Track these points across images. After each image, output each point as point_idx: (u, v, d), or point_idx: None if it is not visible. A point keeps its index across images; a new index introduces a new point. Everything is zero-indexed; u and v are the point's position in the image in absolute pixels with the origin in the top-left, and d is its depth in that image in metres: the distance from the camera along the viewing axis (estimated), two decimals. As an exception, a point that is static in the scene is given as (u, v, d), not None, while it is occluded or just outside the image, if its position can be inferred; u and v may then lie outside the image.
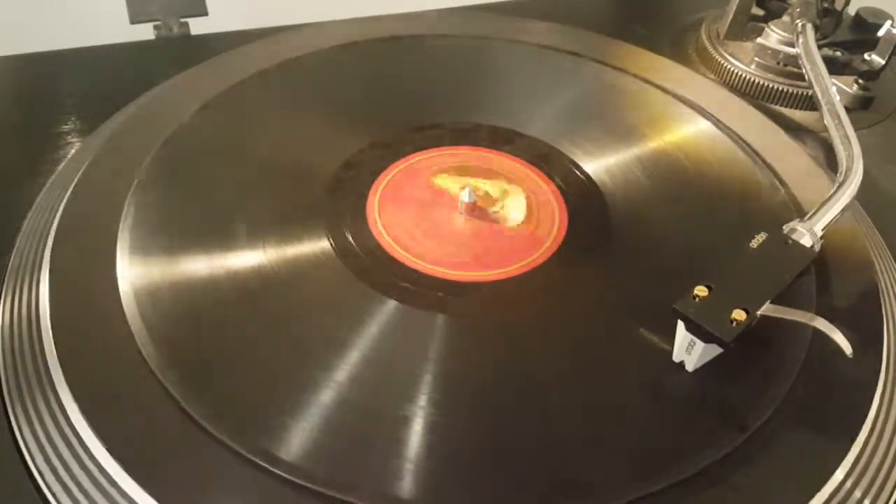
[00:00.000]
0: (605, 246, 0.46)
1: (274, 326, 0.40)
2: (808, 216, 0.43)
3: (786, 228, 0.42)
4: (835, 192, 0.44)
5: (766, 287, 0.38)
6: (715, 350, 0.38)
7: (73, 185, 0.46)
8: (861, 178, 0.46)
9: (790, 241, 0.41)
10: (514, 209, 0.47)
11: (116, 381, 0.37)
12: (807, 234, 0.41)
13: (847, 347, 0.35)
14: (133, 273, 0.41)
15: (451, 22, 0.63)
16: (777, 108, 0.61)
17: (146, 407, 0.36)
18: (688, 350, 0.38)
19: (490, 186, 0.48)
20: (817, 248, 0.41)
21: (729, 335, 0.36)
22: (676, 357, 0.39)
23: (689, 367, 0.39)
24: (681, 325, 0.38)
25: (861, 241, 0.47)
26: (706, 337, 0.37)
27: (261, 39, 0.59)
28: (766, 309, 0.38)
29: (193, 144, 0.49)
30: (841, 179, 0.45)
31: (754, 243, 0.40)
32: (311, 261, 0.43)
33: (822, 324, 0.36)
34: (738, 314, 0.37)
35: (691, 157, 0.52)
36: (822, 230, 0.42)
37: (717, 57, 0.64)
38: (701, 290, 0.38)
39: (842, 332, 0.36)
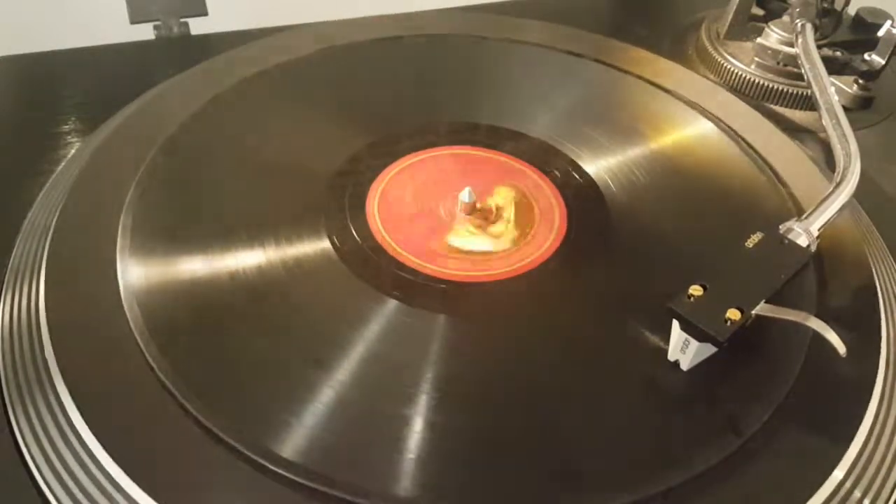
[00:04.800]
0: (605, 246, 0.46)
1: (274, 326, 0.40)
2: (804, 216, 0.43)
3: (782, 228, 0.42)
4: (832, 192, 0.44)
5: (761, 287, 0.38)
6: (709, 349, 0.38)
7: (72, 185, 0.46)
8: (858, 177, 0.46)
9: (786, 241, 0.41)
10: (482, 242, 0.46)
11: (116, 381, 0.37)
12: (803, 234, 0.41)
13: (840, 347, 0.35)
14: (133, 273, 0.41)
15: (450, 22, 0.63)
16: (777, 108, 0.61)
17: (146, 407, 0.36)
18: (682, 349, 0.38)
19: (511, 215, 0.47)
20: (813, 247, 0.41)
21: (723, 334, 0.36)
22: (671, 356, 0.39)
23: (684, 367, 0.39)
24: (676, 324, 0.38)
25: (860, 241, 0.47)
26: (700, 336, 0.37)
27: (260, 40, 0.59)
28: (761, 308, 0.38)
29: (193, 144, 0.49)
30: (838, 179, 0.45)
31: (750, 243, 0.40)
32: (311, 260, 0.43)
33: (815, 323, 0.36)
34: (733, 313, 0.37)
35: (691, 157, 0.52)
36: (819, 230, 0.42)
37: (717, 57, 0.64)
38: (696, 290, 0.38)
39: (840, 331, 0.36)
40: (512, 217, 0.47)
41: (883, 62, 0.60)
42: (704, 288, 0.38)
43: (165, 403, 0.36)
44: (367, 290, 0.42)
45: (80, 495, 0.34)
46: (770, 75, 0.62)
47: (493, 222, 0.47)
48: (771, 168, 0.51)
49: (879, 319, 0.42)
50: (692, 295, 0.38)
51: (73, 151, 0.52)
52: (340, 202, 0.47)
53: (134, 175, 0.46)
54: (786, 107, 0.61)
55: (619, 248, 0.46)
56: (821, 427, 0.38)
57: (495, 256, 0.45)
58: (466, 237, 0.46)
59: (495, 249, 0.45)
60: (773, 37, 0.62)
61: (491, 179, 0.49)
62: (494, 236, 0.46)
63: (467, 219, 0.47)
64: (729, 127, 0.53)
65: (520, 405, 0.38)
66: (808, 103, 0.60)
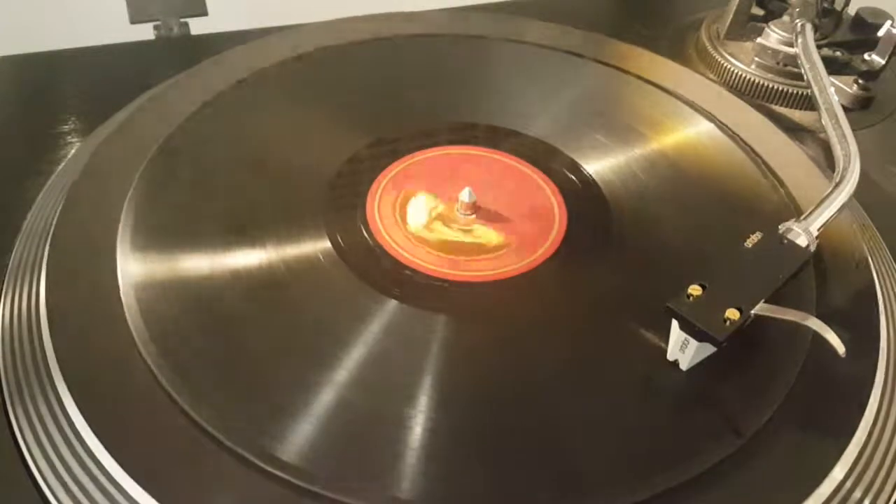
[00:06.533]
0: (605, 246, 0.46)
1: (274, 326, 0.40)
2: (803, 216, 0.43)
3: (781, 228, 0.42)
4: (831, 192, 0.44)
5: (760, 286, 0.38)
6: (708, 349, 0.38)
7: (72, 185, 0.46)
8: (857, 177, 0.46)
9: (785, 241, 0.41)
10: (483, 235, 0.46)
11: (116, 381, 0.37)
12: (802, 234, 0.41)
13: (840, 347, 0.35)
14: (133, 273, 0.41)
15: (451, 22, 0.63)
16: (777, 108, 0.61)
17: (146, 407, 0.36)
18: (681, 349, 0.38)
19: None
20: (813, 247, 0.41)
21: (722, 334, 0.36)
22: (670, 356, 0.39)
23: (683, 366, 0.39)
24: (675, 323, 0.38)
25: (860, 241, 0.47)
26: (699, 335, 0.37)
27: (260, 39, 0.59)
28: (760, 308, 0.38)
29: (193, 144, 0.49)
30: (837, 179, 0.46)
31: (749, 243, 0.41)
32: (311, 260, 0.43)
33: (815, 323, 0.36)
34: (732, 313, 0.37)
35: (691, 156, 0.52)
36: (818, 230, 0.42)
37: (717, 57, 0.64)
38: (695, 290, 0.38)
39: (840, 331, 0.36)
40: (449, 239, 0.46)
41: (883, 62, 0.60)
42: (703, 287, 0.38)
43: (165, 403, 0.36)
44: (367, 290, 0.42)
45: (80, 495, 0.34)
46: (770, 75, 0.62)
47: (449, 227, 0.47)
48: (770, 168, 0.51)
49: (879, 319, 0.42)
50: (691, 294, 0.38)
51: (73, 151, 0.52)
52: (341, 202, 0.47)
53: (134, 175, 0.46)
54: (786, 107, 0.61)
55: (619, 248, 0.46)
56: (821, 427, 0.38)
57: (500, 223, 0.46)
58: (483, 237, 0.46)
59: (411, 226, 0.45)
60: (773, 37, 0.62)
61: (490, 179, 0.49)
62: (429, 228, 0.46)
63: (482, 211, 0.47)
64: (729, 127, 0.53)
65: (519, 405, 0.38)
66: (808, 103, 0.60)
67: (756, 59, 0.62)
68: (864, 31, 0.63)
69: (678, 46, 0.68)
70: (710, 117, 0.54)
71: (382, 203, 0.47)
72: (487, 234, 0.46)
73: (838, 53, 0.61)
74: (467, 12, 0.68)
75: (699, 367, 0.39)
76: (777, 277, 0.39)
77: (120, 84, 0.58)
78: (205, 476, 0.34)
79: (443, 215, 0.47)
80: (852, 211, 0.48)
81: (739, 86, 0.62)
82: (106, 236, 0.43)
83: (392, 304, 0.41)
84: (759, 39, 0.62)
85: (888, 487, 0.37)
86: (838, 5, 0.63)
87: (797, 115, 0.61)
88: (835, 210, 0.43)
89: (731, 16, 0.64)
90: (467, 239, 0.46)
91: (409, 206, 0.47)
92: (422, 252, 0.44)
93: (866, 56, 0.61)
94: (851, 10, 0.65)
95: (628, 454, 0.36)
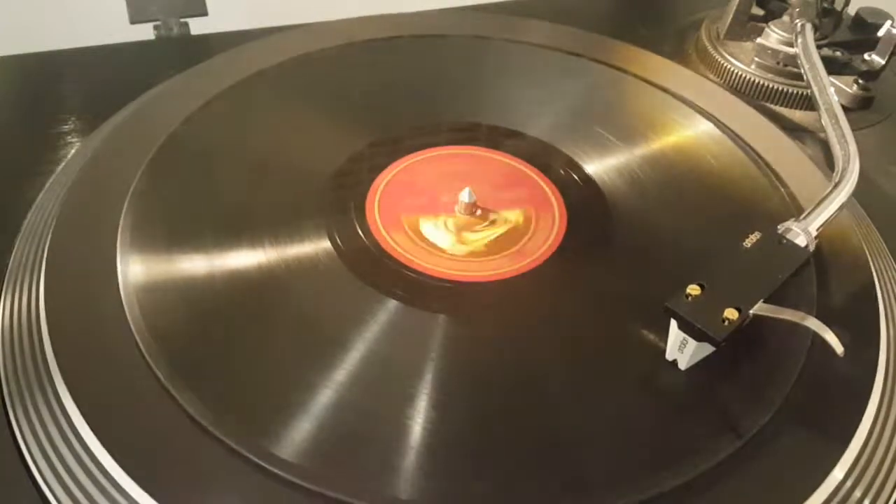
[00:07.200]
0: (605, 246, 0.46)
1: (274, 326, 0.40)
2: (803, 216, 0.43)
3: (780, 228, 0.42)
4: (830, 192, 0.44)
5: (759, 286, 0.38)
6: (707, 349, 0.38)
7: (72, 185, 0.46)
8: (857, 177, 0.46)
9: (784, 241, 0.41)
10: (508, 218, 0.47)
11: (116, 381, 0.37)
12: (801, 234, 0.41)
13: (838, 347, 0.35)
14: (133, 273, 0.41)
15: (451, 22, 0.63)
16: (777, 108, 0.61)
17: (146, 407, 0.36)
18: (680, 348, 0.38)
19: (492, 237, 0.47)
20: (812, 247, 0.41)
21: (720, 334, 0.36)
22: (669, 355, 0.39)
23: (682, 366, 0.39)
24: (673, 323, 0.38)
25: (861, 241, 0.47)
26: (698, 335, 0.37)
27: (261, 39, 0.59)
28: (759, 308, 0.38)
29: (194, 144, 0.49)
30: (837, 179, 0.46)
31: (748, 242, 0.41)
32: (311, 261, 0.43)
33: (813, 323, 0.36)
34: (731, 313, 0.37)
35: (691, 157, 0.52)
36: (817, 230, 0.42)
37: (717, 57, 0.64)
38: (693, 289, 0.38)
39: (840, 331, 0.36)
40: (490, 239, 0.46)
41: (883, 62, 0.60)
42: (702, 287, 0.38)
43: (165, 403, 0.36)
44: (367, 289, 0.42)
45: (79, 495, 0.34)
46: (770, 75, 0.62)
47: (475, 231, 0.46)
48: (770, 168, 0.51)
49: (879, 319, 0.42)
50: (690, 294, 0.38)
51: (73, 151, 0.52)
52: (340, 202, 0.47)
53: (134, 175, 0.46)
54: (786, 107, 0.61)
55: (619, 248, 0.46)
56: (821, 427, 0.38)
57: (446, 255, 0.44)
58: (436, 226, 0.46)
59: (447, 249, 0.45)
60: (773, 37, 0.62)
61: (491, 180, 0.49)
62: (461, 241, 0.45)
63: (483, 212, 0.47)
64: (728, 127, 0.53)
65: (519, 405, 0.38)
66: (808, 103, 0.60)
67: (756, 59, 0.62)
68: (864, 31, 0.63)
69: (678, 47, 0.68)
70: (710, 117, 0.54)
71: (382, 203, 0.47)
72: (509, 216, 0.46)
73: (838, 53, 0.61)
74: (467, 12, 0.69)
75: (699, 367, 0.39)
76: (776, 277, 0.39)
77: (120, 84, 0.58)
78: (205, 476, 0.34)
79: (459, 224, 0.46)
80: (852, 211, 0.48)
81: (739, 86, 0.62)
82: (106, 236, 0.43)
83: (392, 303, 0.41)
84: (759, 39, 0.62)
85: (888, 487, 0.37)
86: (838, 5, 0.63)
87: (797, 115, 0.61)
88: (834, 210, 0.43)
89: (731, 16, 0.64)
90: (501, 229, 0.46)
91: (427, 236, 0.45)
92: (422, 251, 0.44)
93: (866, 56, 0.61)
94: (851, 10, 0.65)
95: (627, 454, 0.36)
